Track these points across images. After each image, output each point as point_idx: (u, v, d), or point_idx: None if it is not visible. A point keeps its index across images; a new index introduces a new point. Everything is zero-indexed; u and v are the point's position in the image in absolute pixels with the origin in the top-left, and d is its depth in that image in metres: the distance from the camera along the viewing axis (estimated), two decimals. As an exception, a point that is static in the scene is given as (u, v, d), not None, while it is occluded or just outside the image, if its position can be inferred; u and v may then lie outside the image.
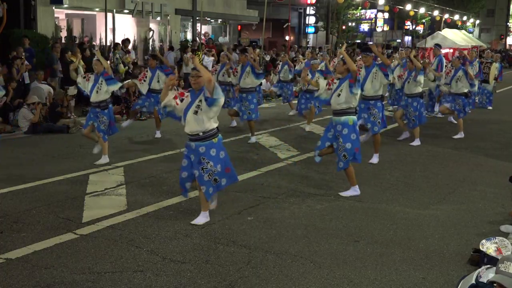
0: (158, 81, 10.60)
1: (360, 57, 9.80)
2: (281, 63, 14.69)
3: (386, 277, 4.69)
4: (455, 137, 11.29)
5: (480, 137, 11.60)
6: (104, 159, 8.60)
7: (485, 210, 6.61)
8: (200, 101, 5.74)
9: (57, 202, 6.58)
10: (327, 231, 5.75)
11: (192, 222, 5.84)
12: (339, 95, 7.02)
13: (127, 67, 15.39)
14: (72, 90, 12.76)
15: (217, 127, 5.91)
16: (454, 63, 11.66)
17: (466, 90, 11.35)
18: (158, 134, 10.85)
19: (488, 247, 4.74)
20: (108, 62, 14.68)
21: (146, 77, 10.75)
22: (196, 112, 5.75)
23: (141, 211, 6.27)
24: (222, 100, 5.76)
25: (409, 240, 5.55)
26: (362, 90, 8.86)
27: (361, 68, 8.90)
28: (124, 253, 5.06)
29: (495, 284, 3.11)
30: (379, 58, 9.09)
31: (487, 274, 3.38)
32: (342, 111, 7.03)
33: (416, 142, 10.43)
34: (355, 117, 7.09)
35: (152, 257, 5.00)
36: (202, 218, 5.93)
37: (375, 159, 8.96)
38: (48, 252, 5.06)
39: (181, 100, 5.88)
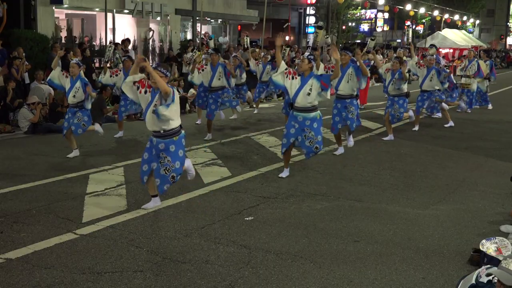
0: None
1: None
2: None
3: (386, 277, 4.69)
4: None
5: (480, 137, 11.59)
6: (75, 152, 8.99)
7: (485, 210, 6.61)
8: (155, 105, 5.96)
9: (57, 202, 6.58)
10: (327, 231, 5.75)
11: (143, 207, 6.26)
12: (308, 94, 7.42)
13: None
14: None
15: (180, 126, 6.12)
16: (429, 62, 11.94)
17: (437, 88, 11.85)
18: (121, 134, 11.03)
19: (488, 247, 4.74)
20: (108, 62, 14.68)
21: (116, 75, 10.73)
22: (154, 112, 5.93)
23: (141, 211, 6.27)
24: (170, 108, 5.90)
25: (409, 240, 5.55)
26: (336, 89, 9.25)
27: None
28: (124, 253, 5.06)
29: (493, 277, 3.12)
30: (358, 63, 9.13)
31: (487, 274, 3.38)
32: (312, 108, 7.54)
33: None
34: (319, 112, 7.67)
35: (152, 257, 5.00)
36: (152, 203, 6.32)
37: (350, 142, 9.50)
38: (48, 252, 5.06)
39: (145, 92, 6.07)
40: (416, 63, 12.22)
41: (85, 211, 6.24)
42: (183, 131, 6.22)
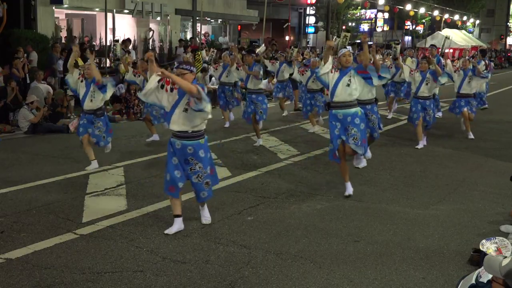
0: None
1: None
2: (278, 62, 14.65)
3: (386, 277, 4.69)
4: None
5: (480, 137, 11.59)
6: (94, 164, 8.22)
7: (485, 210, 6.61)
8: (187, 103, 5.40)
9: (57, 202, 6.58)
10: (327, 231, 5.75)
11: (166, 232, 5.58)
12: (348, 85, 6.76)
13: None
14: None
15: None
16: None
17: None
18: (156, 137, 10.49)
19: (488, 247, 4.72)
20: (108, 62, 14.70)
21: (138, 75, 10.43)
22: (186, 110, 5.43)
23: (141, 211, 6.27)
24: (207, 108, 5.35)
25: (409, 240, 5.55)
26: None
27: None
28: (124, 253, 5.06)
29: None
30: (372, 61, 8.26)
31: (487, 274, 3.38)
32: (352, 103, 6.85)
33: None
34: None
35: (152, 257, 5.00)
36: (175, 226, 5.64)
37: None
38: (48, 252, 5.06)
39: (171, 89, 5.47)
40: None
41: (85, 211, 6.24)
42: (205, 135, 5.74)
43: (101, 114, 8.20)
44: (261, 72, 10.24)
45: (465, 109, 11.09)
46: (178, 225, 5.65)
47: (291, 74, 13.26)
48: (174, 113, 5.49)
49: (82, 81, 8.09)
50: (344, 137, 6.81)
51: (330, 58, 6.98)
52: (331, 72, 6.89)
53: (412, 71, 10.27)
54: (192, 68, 5.54)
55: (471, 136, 11.22)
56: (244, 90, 12.24)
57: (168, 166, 5.66)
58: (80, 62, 10.80)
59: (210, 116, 5.47)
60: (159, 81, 5.49)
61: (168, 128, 5.74)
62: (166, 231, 5.57)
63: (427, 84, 10.02)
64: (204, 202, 5.93)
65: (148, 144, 10.33)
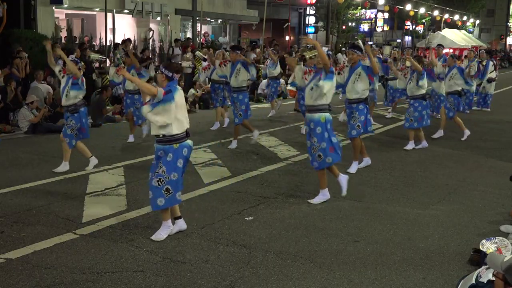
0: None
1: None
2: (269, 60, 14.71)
3: (386, 277, 4.69)
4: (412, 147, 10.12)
5: (480, 137, 11.59)
6: (64, 166, 7.96)
7: (485, 210, 6.61)
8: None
9: (57, 202, 6.58)
10: (327, 231, 5.75)
11: (151, 237, 5.40)
12: (312, 88, 6.61)
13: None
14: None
15: (185, 133, 5.44)
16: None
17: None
18: (131, 138, 10.32)
19: (488, 247, 4.74)
20: (108, 62, 14.69)
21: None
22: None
23: (141, 211, 6.27)
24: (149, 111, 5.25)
25: (409, 240, 5.55)
26: (343, 92, 8.40)
27: (346, 66, 8.24)
28: (124, 253, 5.06)
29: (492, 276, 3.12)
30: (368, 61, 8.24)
31: (487, 274, 3.39)
32: (315, 107, 6.63)
33: (410, 146, 9.93)
34: (328, 114, 6.67)
35: (152, 257, 5.00)
36: (162, 232, 5.43)
37: (353, 168, 8.21)
38: (48, 252, 5.06)
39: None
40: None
41: (85, 211, 6.24)
42: (188, 141, 5.49)
43: (73, 110, 7.91)
44: (253, 72, 10.09)
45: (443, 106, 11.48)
46: (179, 226, 5.63)
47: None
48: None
49: (63, 76, 8.00)
50: (308, 143, 6.77)
51: (298, 66, 7.16)
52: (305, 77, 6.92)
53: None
54: (166, 72, 5.38)
55: (441, 134, 11.32)
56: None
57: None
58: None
59: (162, 123, 5.27)
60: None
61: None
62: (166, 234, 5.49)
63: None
64: (163, 212, 5.48)
65: (148, 143, 10.32)
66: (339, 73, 8.10)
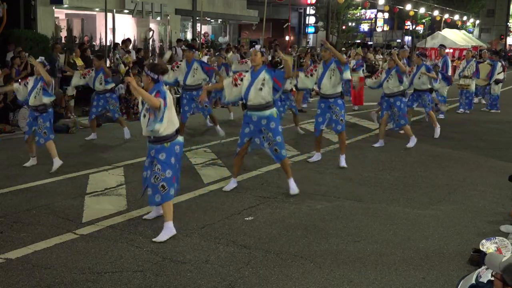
0: (101, 83, 10.22)
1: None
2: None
3: (386, 277, 4.69)
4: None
5: (480, 137, 11.59)
6: (56, 162, 8.05)
7: (485, 210, 6.61)
8: (144, 114, 5.52)
9: (57, 202, 6.58)
10: (327, 231, 5.75)
11: (154, 239, 5.37)
12: (260, 89, 6.80)
13: (127, 67, 15.38)
14: (70, 90, 12.76)
15: (175, 131, 5.56)
16: (415, 61, 11.62)
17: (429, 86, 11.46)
18: (126, 134, 10.54)
19: (488, 247, 4.74)
20: (108, 62, 14.69)
21: (88, 75, 10.36)
22: (144, 116, 5.54)
23: (141, 211, 6.27)
24: (159, 125, 5.38)
25: (409, 240, 5.55)
26: (319, 87, 8.60)
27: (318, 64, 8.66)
28: (124, 253, 5.06)
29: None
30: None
31: (487, 274, 3.38)
32: (265, 106, 6.86)
33: (412, 142, 10.10)
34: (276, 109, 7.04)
35: (152, 257, 5.00)
36: (165, 234, 5.43)
37: (343, 162, 8.54)
38: (48, 252, 5.06)
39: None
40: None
41: (85, 211, 6.24)
42: (179, 138, 5.64)
43: (43, 109, 8.09)
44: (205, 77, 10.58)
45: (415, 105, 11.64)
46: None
47: None
48: (140, 118, 5.66)
49: (25, 84, 8.17)
50: (257, 139, 7.00)
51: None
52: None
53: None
54: (152, 74, 5.45)
55: (438, 131, 11.36)
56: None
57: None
58: (80, 62, 10.82)
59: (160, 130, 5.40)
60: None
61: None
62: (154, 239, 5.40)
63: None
64: (165, 211, 5.56)
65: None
66: (311, 75, 8.52)
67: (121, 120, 10.75)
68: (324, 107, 8.54)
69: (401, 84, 9.99)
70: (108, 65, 15.18)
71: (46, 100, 8.04)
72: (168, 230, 5.47)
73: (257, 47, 7.03)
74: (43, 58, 8.41)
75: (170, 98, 5.51)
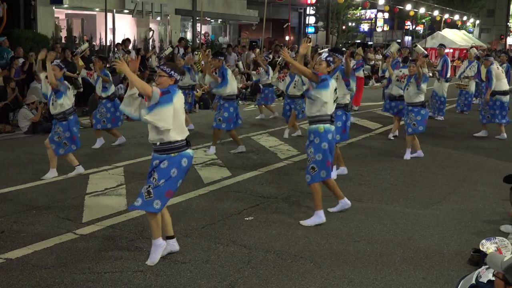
0: (100, 88, 9.83)
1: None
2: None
3: (386, 277, 4.69)
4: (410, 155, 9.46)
5: (480, 137, 11.59)
6: (52, 173, 7.71)
7: (485, 210, 6.61)
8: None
9: (57, 202, 6.58)
10: (327, 231, 5.75)
11: (147, 262, 4.86)
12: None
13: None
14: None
15: (185, 141, 4.88)
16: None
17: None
18: (119, 141, 10.06)
19: (488, 247, 4.74)
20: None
21: (91, 76, 10.07)
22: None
23: (141, 211, 6.25)
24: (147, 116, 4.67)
25: (409, 240, 5.55)
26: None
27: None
28: (124, 253, 5.06)
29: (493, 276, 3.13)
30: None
31: (487, 274, 3.38)
32: (314, 119, 6.04)
33: (407, 155, 9.26)
34: (327, 125, 5.99)
35: (152, 257, 4.99)
36: (155, 254, 4.87)
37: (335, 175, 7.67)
38: (48, 252, 5.06)
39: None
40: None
41: (85, 211, 6.24)
42: (189, 150, 4.90)
43: (61, 118, 7.63)
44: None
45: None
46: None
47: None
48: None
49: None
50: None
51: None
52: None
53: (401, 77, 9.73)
54: (172, 72, 4.83)
55: (392, 136, 10.99)
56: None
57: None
58: (80, 62, 10.80)
59: (160, 125, 4.72)
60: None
61: None
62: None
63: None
64: (152, 227, 4.92)
65: (148, 143, 10.31)
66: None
67: (115, 132, 10.10)
68: None
69: (420, 92, 9.00)
70: (108, 65, 15.18)
71: (59, 101, 7.49)
72: (157, 248, 4.89)
73: (324, 55, 6.23)
74: (58, 61, 7.97)
75: (181, 100, 4.90)
